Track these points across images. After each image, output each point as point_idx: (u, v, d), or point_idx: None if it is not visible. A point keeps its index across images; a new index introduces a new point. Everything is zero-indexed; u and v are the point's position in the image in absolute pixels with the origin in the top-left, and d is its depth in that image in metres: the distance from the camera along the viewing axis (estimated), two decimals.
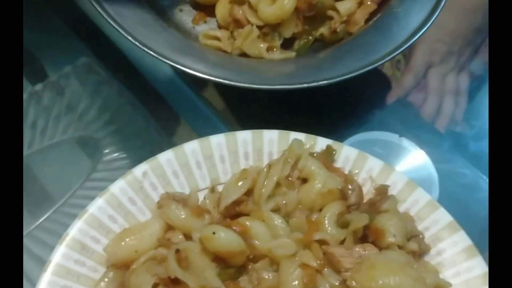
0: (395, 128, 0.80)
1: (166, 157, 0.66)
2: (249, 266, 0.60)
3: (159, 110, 0.96)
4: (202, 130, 0.87)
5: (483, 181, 0.81)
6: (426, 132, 0.82)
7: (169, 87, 0.95)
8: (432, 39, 0.89)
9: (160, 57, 0.68)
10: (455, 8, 0.90)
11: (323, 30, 0.76)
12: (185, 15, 0.79)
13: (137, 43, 0.68)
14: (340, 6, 0.75)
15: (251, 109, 0.89)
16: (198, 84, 0.92)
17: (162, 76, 0.96)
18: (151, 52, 0.68)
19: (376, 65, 0.69)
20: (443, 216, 0.63)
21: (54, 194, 0.87)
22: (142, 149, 0.91)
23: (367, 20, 0.75)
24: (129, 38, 0.67)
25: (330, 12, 0.75)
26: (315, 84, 0.68)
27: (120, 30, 0.68)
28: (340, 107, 0.84)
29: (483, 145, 0.82)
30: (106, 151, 0.92)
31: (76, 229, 0.61)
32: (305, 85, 0.68)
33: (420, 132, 0.80)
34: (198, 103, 0.93)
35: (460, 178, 0.81)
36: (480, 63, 0.95)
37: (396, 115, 0.83)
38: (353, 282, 0.55)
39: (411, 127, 0.81)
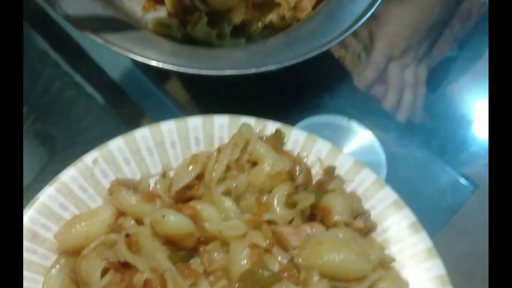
0: (345, 112, 0.81)
1: (116, 144, 0.67)
2: (201, 248, 0.61)
3: (118, 101, 0.96)
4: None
5: (433, 161, 0.84)
6: (376, 116, 0.84)
7: (129, 79, 0.95)
8: (392, 34, 0.92)
9: (109, 45, 0.69)
10: (414, 4, 0.92)
11: (272, 16, 0.77)
12: (135, 3, 0.79)
13: (86, 32, 0.68)
14: None
15: (210, 99, 0.89)
16: (158, 76, 0.92)
17: (121, 68, 0.96)
18: (99, 40, 0.68)
19: (322, 49, 0.70)
20: (388, 195, 0.65)
21: None
22: (99, 140, 0.91)
23: (314, 6, 0.77)
24: (79, 28, 0.68)
25: (279, 0, 0.76)
26: (264, 69, 0.69)
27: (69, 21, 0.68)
28: (293, 92, 0.85)
29: (429, 125, 0.85)
30: (63, 142, 0.91)
31: (26, 217, 0.61)
32: (254, 70, 0.69)
33: (369, 115, 0.82)
34: (158, 94, 0.93)
35: (410, 160, 0.83)
36: (437, 56, 0.97)
37: (346, 99, 0.85)
38: (300, 259, 0.56)
39: (361, 111, 0.83)
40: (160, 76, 0.92)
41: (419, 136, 0.85)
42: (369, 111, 0.84)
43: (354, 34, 0.73)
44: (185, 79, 0.93)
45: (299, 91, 0.85)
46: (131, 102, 0.95)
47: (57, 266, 0.60)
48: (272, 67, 0.69)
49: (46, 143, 0.92)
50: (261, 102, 0.84)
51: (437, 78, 0.93)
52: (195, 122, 0.69)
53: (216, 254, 0.60)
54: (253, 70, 0.69)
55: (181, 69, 0.69)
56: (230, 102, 0.86)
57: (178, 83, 0.93)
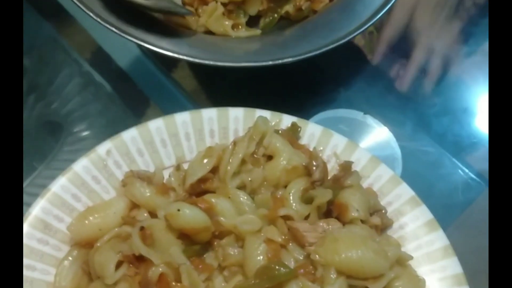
0: (360, 106, 0.80)
1: (130, 135, 0.66)
2: (215, 243, 0.60)
3: (125, 89, 0.95)
4: (171, 110, 0.86)
5: (446, 158, 0.83)
6: (390, 110, 0.83)
7: (137, 67, 0.94)
8: None
9: (123, 34, 0.67)
10: None
11: (288, 7, 0.76)
12: None
13: (98, 19, 0.67)
14: None
15: (221, 89, 0.89)
16: (166, 65, 0.91)
17: (129, 56, 0.95)
18: (113, 29, 0.67)
19: (340, 42, 0.69)
20: (405, 191, 0.65)
21: None
22: (107, 128, 0.90)
23: None
24: (91, 14, 0.66)
25: None
26: (279, 61, 0.68)
27: (81, 6, 0.66)
28: (307, 86, 0.85)
29: (445, 122, 0.84)
30: (71, 130, 0.91)
31: (38, 208, 0.61)
32: (270, 62, 0.68)
33: (384, 110, 0.81)
34: (167, 84, 0.93)
35: (423, 155, 0.82)
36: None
37: (361, 93, 0.84)
38: (317, 255, 0.55)
39: (376, 105, 0.82)
40: (167, 64, 0.91)
41: (433, 131, 0.84)
42: (384, 106, 0.83)
43: None
44: (194, 68, 0.92)
45: (313, 85, 0.85)
46: (138, 90, 0.94)
47: (70, 258, 0.59)
48: (288, 60, 0.68)
49: (54, 131, 0.91)
50: (272, 94, 0.84)
51: (454, 73, 0.92)
52: (209, 114, 0.68)
53: (230, 249, 0.59)
54: (269, 63, 0.68)
55: (196, 60, 0.68)
56: (239, 92, 0.86)
57: (185, 71, 0.92)
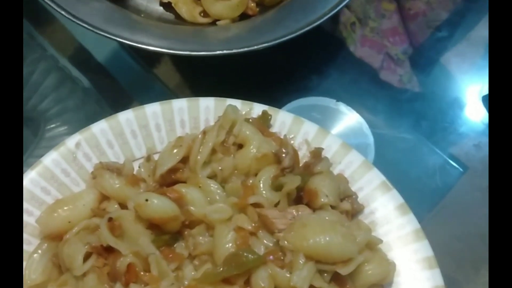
0: (333, 94, 0.80)
1: (99, 127, 0.65)
2: (185, 232, 0.60)
3: (103, 85, 0.95)
4: None
5: (422, 144, 0.83)
6: (363, 97, 0.83)
7: (116, 62, 0.94)
8: None
9: (99, 31, 0.67)
10: None
11: None
12: None
13: (70, 17, 0.67)
14: None
15: (202, 83, 0.88)
16: (147, 60, 0.91)
17: (108, 51, 0.94)
18: (84, 25, 0.67)
19: (315, 24, 0.69)
20: (376, 177, 0.65)
21: None
22: (85, 123, 0.90)
23: None
24: (62, 12, 0.67)
25: None
26: (255, 47, 0.68)
27: (51, 4, 0.66)
28: (279, 74, 0.84)
29: (418, 107, 0.84)
30: (48, 127, 0.90)
31: None
32: (245, 49, 0.68)
33: (357, 97, 0.81)
34: (146, 78, 0.92)
35: (399, 142, 0.82)
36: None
37: (334, 81, 0.84)
38: (285, 241, 0.55)
39: (349, 92, 0.82)
40: (148, 60, 0.91)
41: (407, 118, 0.84)
42: (358, 93, 0.83)
43: (346, 5, 0.71)
44: (175, 61, 0.91)
45: (287, 72, 0.84)
46: (119, 86, 0.94)
47: (39, 251, 0.59)
48: (262, 46, 0.68)
49: (31, 127, 0.91)
50: (251, 84, 0.84)
51: (426, 57, 0.92)
52: (180, 105, 0.68)
53: (201, 238, 0.60)
54: (244, 49, 0.68)
55: (171, 52, 0.68)
56: (219, 84, 0.85)
57: (166, 66, 0.92)
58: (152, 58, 0.91)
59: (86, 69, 0.95)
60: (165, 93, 0.89)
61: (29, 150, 0.89)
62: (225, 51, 0.68)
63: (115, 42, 0.90)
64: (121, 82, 0.93)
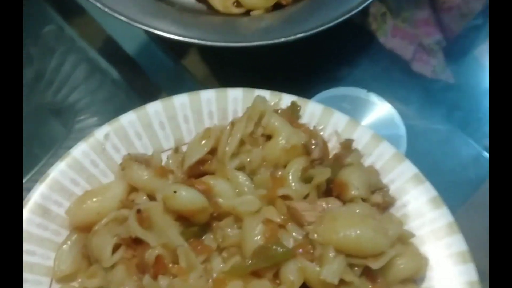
0: (364, 84, 0.79)
1: (128, 118, 0.65)
2: (214, 224, 0.60)
3: (132, 76, 0.95)
4: None
5: (455, 135, 0.81)
6: (396, 88, 0.81)
7: (145, 54, 0.94)
8: None
9: (130, 21, 0.68)
10: None
11: None
12: None
13: (106, 9, 0.68)
14: None
15: (230, 74, 0.88)
16: (176, 51, 0.90)
17: (137, 43, 0.94)
18: (121, 17, 0.67)
19: (348, 15, 0.68)
20: (408, 169, 0.63)
21: (26, 162, 0.85)
22: (116, 114, 0.90)
23: None
24: (98, 4, 0.67)
25: None
26: (292, 37, 0.67)
27: None
28: (309, 65, 0.83)
29: (452, 98, 0.82)
30: (79, 118, 0.91)
31: (38, 193, 0.61)
32: (282, 39, 0.67)
33: (389, 87, 0.79)
34: (175, 70, 0.92)
35: (430, 133, 0.81)
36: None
37: (366, 72, 0.82)
38: (315, 234, 0.55)
39: (381, 83, 0.80)
40: (176, 50, 0.91)
41: (440, 108, 0.82)
42: (390, 83, 0.82)
43: None
44: (204, 52, 0.91)
45: (317, 62, 0.83)
46: (147, 78, 0.94)
47: (69, 242, 0.60)
48: (300, 36, 0.67)
49: (61, 118, 0.91)
50: (280, 75, 0.83)
51: (460, 47, 0.90)
52: (208, 96, 0.67)
53: (229, 230, 0.59)
54: (281, 40, 0.67)
55: (207, 43, 0.67)
56: (247, 75, 0.84)
57: (195, 57, 0.92)
58: (180, 50, 0.91)
59: (115, 60, 0.95)
60: (194, 84, 0.89)
61: (59, 141, 0.89)
62: (259, 42, 0.68)
63: (144, 34, 0.91)
64: (150, 74, 0.93)
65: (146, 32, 0.70)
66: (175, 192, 0.56)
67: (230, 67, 0.87)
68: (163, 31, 0.68)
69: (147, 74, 0.94)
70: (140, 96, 0.94)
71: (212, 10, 0.77)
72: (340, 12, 0.69)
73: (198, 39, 0.68)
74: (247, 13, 0.75)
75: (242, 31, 0.72)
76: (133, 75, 0.95)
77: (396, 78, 0.84)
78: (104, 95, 0.93)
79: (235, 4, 0.76)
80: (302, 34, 0.67)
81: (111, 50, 0.96)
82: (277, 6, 0.76)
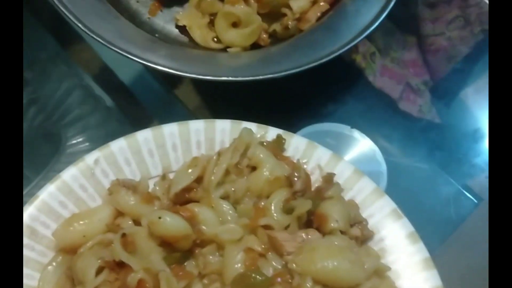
0: (348, 120, 0.81)
1: (118, 145, 0.67)
2: (196, 251, 0.61)
3: (124, 103, 0.97)
4: None
5: (436, 173, 0.83)
6: (379, 125, 0.84)
7: (139, 82, 0.96)
8: None
9: (107, 44, 0.70)
10: None
11: (276, 26, 0.78)
12: (141, 6, 0.80)
13: (86, 30, 0.70)
14: (294, 4, 0.77)
15: (227, 104, 0.90)
16: (169, 80, 0.93)
17: (131, 71, 0.97)
18: (98, 39, 0.70)
19: (320, 62, 0.71)
20: (387, 204, 0.65)
21: None
22: (106, 141, 0.92)
23: (318, 18, 0.78)
24: (79, 25, 0.70)
25: (284, 10, 0.77)
26: (260, 77, 0.70)
27: (70, 17, 0.69)
28: (295, 100, 0.86)
29: (431, 137, 0.84)
30: (69, 142, 0.92)
31: (26, 214, 0.62)
32: (251, 78, 0.70)
33: (372, 125, 0.82)
34: (167, 99, 0.94)
35: (413, 171, 0.83)
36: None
37: (350, 108, 0.85)
38: (294, 264, 0.56)
39: (364, 120, 0.83)
40: (170, 80, 0.93)
41: (422, 147, 0.84)
42: (375, 121, 0.84)
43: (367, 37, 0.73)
44: (195, 83, 0.93)
45: (303, 98, 0.86)
46: (140, 105, 0.96)
47: (54, 264, 0.61)
48: (268, 77, 0.70)
49: (53, 142, 0.93)
50: (268, 108, 0.85)
51: (446, 88, 0.93)
52: (197, 126, 0.69)
53: (211, 257, 0.60)
54: (249, 78, 0.70)
55: (179, 74, 0.70)
56: (238, 108, 0.87)
57: (187, 87, 0.94)
58: (173, 79, 0.93)
59: (109, 88, 0.97)
60: (185, 114, 0.91)
61: (49, 164, 0.91)
62: (232, 78, 0.70)
63: (142, 68, 0.93)
64: (143, 102, 0.95)
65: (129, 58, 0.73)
66: (160, 218, 0.58)
67: (221, 99, 0.89)
68: (158, 65, 0.71)
69: (140, 102, 0.96)
70: (131, 123, 0.96)
71: (192, 43, 0.80)
72: (313, 58, 0.72)
73: (176, 70, 0.71)
74: (225, 49, 0.78)
75: (218, 66, 0.75)
76: (126, 102, 0.98)
77: (381, 116, 0.86)
78: (97, 121, 0.95)
79: (215, 39, 0.79)
80: (271, 75, 0.70)
81: (105, 77, 0.98)
82: (255, 46, 0.79)
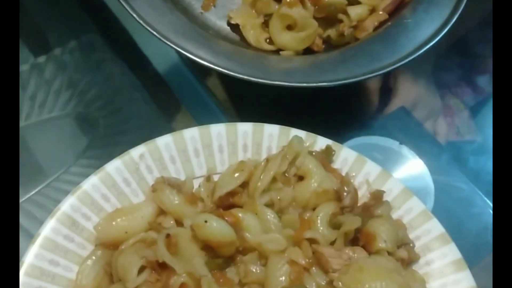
0: (396, 135, 0.80)
1: (164, 141, 0.66)
2: (238, 258, 0.60)
3: (160, 94, 0.95)
4: (202, 118, 0.87)
5: (479, 197, 0.81)
6: (427, 143, 0.82)
7: (173, 72, 0.95)
8: None
9: (162, 39, 0.69)
10: None
11: (331, 32, 0.76)
12: (194, 0, 0.79)
13: (141, 22, 0.69)
14: (351, 10, 0.75)
15: (253, 102, 0.88)
16: (201, 72, 0.92)
17: (166, 61, 0.96)
18: (154, 32, 0.68)
19: (377, 73, 0.69)
20: (435, 227, 0.63)
21: (47, 168, 0.86)
22: (140, 131, 0.90)
23: (376, 28, 0.75)
24: (134, 15, 0.68)
25: (341, 16, 0.75)
26: (313, 85, 0.68)
27: (126, 7, 0.68)
28: (343, 109, 0.84)
29: (482, 161, 0.82)
30: (104, 130, 0.91)
31: (68, 204, 0.61)
32: (304, 84, 0.68)
33: (421, 142, 0.80)
34: (200, 91, 0.93)
35: (456, 192, 0.81)
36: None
37: (398, 122, 0.83)
38: (340, 283, 0.55)
39: (412, 136, 0.81)
40: (204, 74, 0.91)
41: (468, 169, 0.82)
42: (421, 137, 0.82)
43: None
44: (226, 78, 0.92)
45: (351, 108, 0.84)
46: (173, 96, 0.94)
47: (93, 257, 0.60)
48: (322, 85, 0.68)
49: (86, 128, 0.92)
50: (306, 114, 0.83)
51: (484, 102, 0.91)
52: (245, 128, 0.68)
53: (253, 266, 0.59)
54: (303, 85, 0.68)
55: (229, 73, 0.69)
56: (271, 107, 0.85)
57: (218, 80, 0.92)
58: (207, 73, 0.92)
59: (145, 77, 0.96)
60: (216, 108, 0.89)
61: (82, 151, 0.90)
62: (283, 83, 0.68)
63: (175, 54, 0.92)
64: (176, 92, 0.94)
65: (177, 52, 0.71)
66: (206, 221, 0.57)
67: (265, 102, 0.87)
68: (194, 55, 0.70)
69: (174, 93, 0.95)
70: (164, 114, 0.95)
71: (244, 42, 0.78)
72: (368, 69, 0.70)
73: (225, 68, 0.69)
74: (277, 51, 0.76)
75: (269, 69, 0.73)
76: (161, 93, 0.96)
77: (427, 133, 0.84)
78: (132, 111, 0.94)
79: (267, 40, 0.77)
80: (324, 84, 0.68)
81: (143, 66, 0.97)
82: (308, 51, 0.77)
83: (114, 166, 0.64)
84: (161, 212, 0.63)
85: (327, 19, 0.76)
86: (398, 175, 0.75)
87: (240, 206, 0.63)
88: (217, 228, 0.57)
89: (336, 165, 0.67)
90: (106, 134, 0.91)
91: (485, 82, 0.92)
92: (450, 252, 0.62)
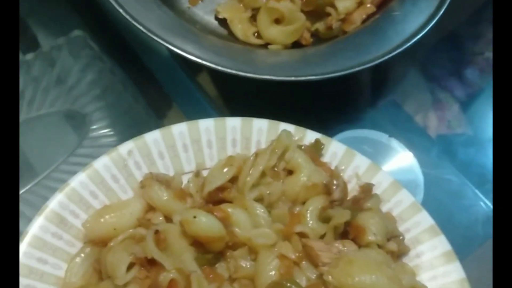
0: (385, 128, 0.79)
1: (153, 137, 0.66)
2: (228, 253, 0.60)
3: (150, 90, 0.95)
4: (192, 114, 0.86)
5: (469, 189, 0.81)
6: (417, 135, 0.81)
7: (163, 68, 0.94)
8: None
9: (150, 34, 0.68)
10: None
11: (319, 25, 0.76)
12: None
13: (127, 17, 0.68)
14: (339, 3, 0.75)
15: (244, 97, 0.88)
16: (191, 68, 0.91)
17: (156, 57, 0.95)
18: (141, 28, 0.68)
19: (366, 66, 0.69)
20: (425, 219, 0.63)
21: (36, 166, 0.85)
22: (130, 127, 0.90)
23: (364, 21, 0.75)
24: (121, 10, 0.68)
25: (329, 9, 0.75)
26: (302, 78, 0.68)
27: (112, 2, 0.67)
28: (332, 103, 0.84)
29: (471, 153, 0.82)
30: (93, 127, 0.90)
31: (56, 201, 0.61)
32: (293, 78, 0.68)
33: (410, 135, 0.80)
34: (190, 86, 0.92)
35: (446, 184, 0.81)
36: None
37: (388, 115, 0.83)
38: (330, 276, 0.55)
39: (402, 129, 0.81)
40: (194, 69, 0.91)
41: (458, 161, 0.82)
42: (410, 130, 0.82)
43: None
44: (216, 73, 0.91)
45: (340, 102, 0.84)
46: (162, 92, 0.94)
47: (82, 255, 0.59)
48: (311, 78, 0.68)
49: (76, 126, 0.91)
50: (295, 108, 0.83)
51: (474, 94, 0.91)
52: (233, 123, 0.67)
53: (242, 261, 0.59)
54: (291, 78, 0.68)
55: (218, 68, 0.68)
56: (261, 102, 0.84)
57: (208, 76, 0.92)
58: (196, 68, 0.91)
59: (134, 73, 0.95)
60: (207, 103, 0.89)
61: (71, 148, 0.89)
62: (271, 77, 0.68)
63: (165, 50, 0.91)
64: (166, 88, 0.93)
65: (167, 48, 0.71)
66: (194, 217, 0.57)
67: (252, 97, 0.87)
68: (183, 51, 0.69)
69: (164, 89, 0.94)
70: (154, 110, 0.94)
71: (232, 36, 0.78)
72: (356, 62, 0.70)
73: (210, 62, 0.69)
74: (265, 45, 0.76)
75: (257, 63, 0.73)
76: (150, 89, 0.96)
77: (417, 126, 0.84)
78: (122, 107, 0.93)
79: (255, 34, 0.77)
80: (312, 77, 0.68)
81: (132, 63, 0.96)
82: (296, 45, 0.76)
83: (102, 163, 0.63)
84: (150, 208, 0.62)
85: (315, 12, 0.76)
86: (388, 168, 0.75)
87: (230, 201, 0.63)
88: (206, 223, 0.56)
89: (325, 158, 0.67)
90: (95, 131, 0.90)
91: (475, 75, 0.92)
92: (440, 244, 0.62)
